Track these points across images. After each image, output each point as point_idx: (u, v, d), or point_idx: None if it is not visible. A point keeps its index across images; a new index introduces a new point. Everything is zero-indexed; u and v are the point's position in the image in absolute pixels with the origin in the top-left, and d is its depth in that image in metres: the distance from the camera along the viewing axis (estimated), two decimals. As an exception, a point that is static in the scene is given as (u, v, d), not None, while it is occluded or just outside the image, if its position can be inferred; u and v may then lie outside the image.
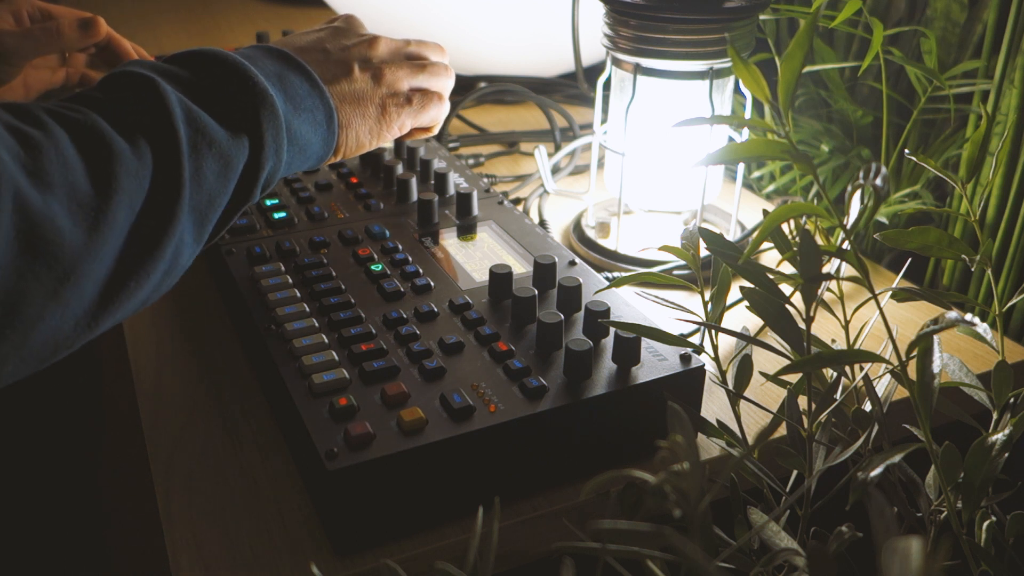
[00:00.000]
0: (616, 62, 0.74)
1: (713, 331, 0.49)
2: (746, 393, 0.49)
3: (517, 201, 0.86)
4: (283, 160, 0.53)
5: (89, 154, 0.42)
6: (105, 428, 1.03)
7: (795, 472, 0.47)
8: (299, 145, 0.54)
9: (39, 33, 0.73)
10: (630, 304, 0.59)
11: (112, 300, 0.43)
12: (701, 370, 0.54)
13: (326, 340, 0.54)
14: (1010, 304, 0.55)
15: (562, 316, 0.54)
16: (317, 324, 0.56)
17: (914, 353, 0.42)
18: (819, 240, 0.46)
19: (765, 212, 0.45)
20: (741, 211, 0.84)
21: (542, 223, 0.81)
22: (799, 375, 0.49)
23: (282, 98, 0.53)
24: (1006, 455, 0.43)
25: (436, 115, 0.65)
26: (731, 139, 0.77)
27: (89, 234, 0.41)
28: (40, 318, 0.40)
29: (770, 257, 0.79)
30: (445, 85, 0.66)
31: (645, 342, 0.54)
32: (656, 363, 0.53)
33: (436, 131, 0.68)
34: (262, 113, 0.50)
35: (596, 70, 0.94)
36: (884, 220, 0.77)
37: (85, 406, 1.06)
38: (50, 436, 1.03)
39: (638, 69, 0.72)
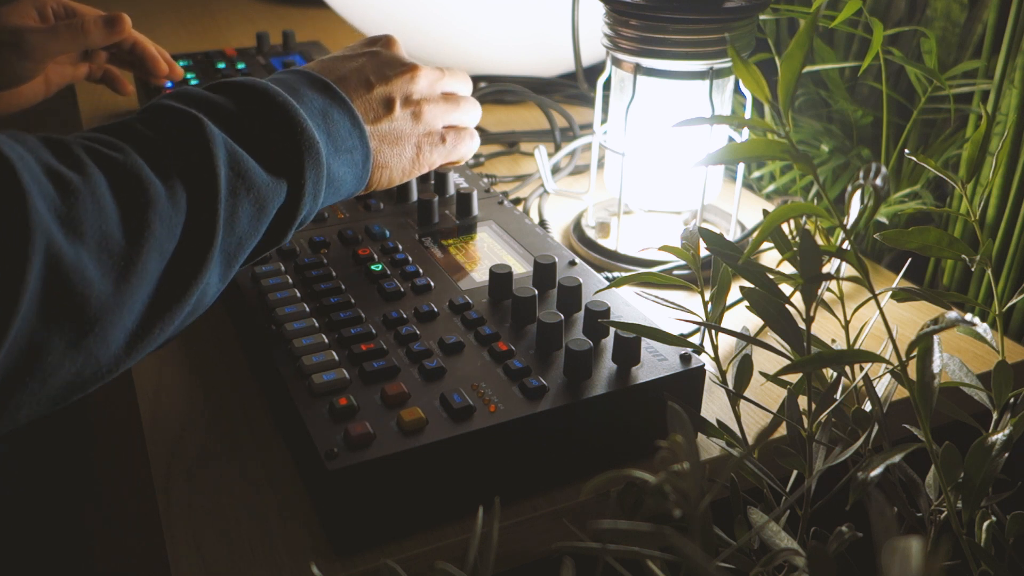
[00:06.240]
0: (616, 62, 0.74)
1: (713, 331, 0.49)
2: (746, 393, 0.49)
3: (517, 201, 0.86)
4: (319, 203, 0.53)
5: (124, 200, 0.41)
6: (104, 428, 1.03)
7: (795, 472, 0.47)
8: (335, 185, 0.54)
9: (63, 30, 0.73)
10: (630, 304, 0.59)
11: (136, 346, 0.42)
12: (701, 370, 0.54)
13: (326, 340, 0.54)
14: (1010, 304, 0.55)
15: (562, 316, 0.54)
16: (317, 324, 0.56)
17: (914, 353, 0.42)
18: (819, 240, 0.46)
19: (765, 212, 0.45)
20: (741, 211, 0.84)
21: (542, 223, 0.81)
22: (799, 375, 0.49)
23: (325, 139, 0.52)
24: (1006, 455, 0.43)
25: (466, 151, 0.66)
26: (731, 139, 0.77)
27: (117, 284, 0.40)
28: (60, 366, 0.39)
29: (770, 257, 0.79)
30: (474, 120, 0.68)
31: (645, 342, 0.54)
32: (656, 363, 0.53)
33: (463, 163, 0.69)
34: (307, 160, 0.50)
35: (596, 70, 0.94)
36: (884, 220, 0.77)
37: (84, 406, 1.06)
38: (49, 436, 1.03)
39: (638, 69, 0.72)
